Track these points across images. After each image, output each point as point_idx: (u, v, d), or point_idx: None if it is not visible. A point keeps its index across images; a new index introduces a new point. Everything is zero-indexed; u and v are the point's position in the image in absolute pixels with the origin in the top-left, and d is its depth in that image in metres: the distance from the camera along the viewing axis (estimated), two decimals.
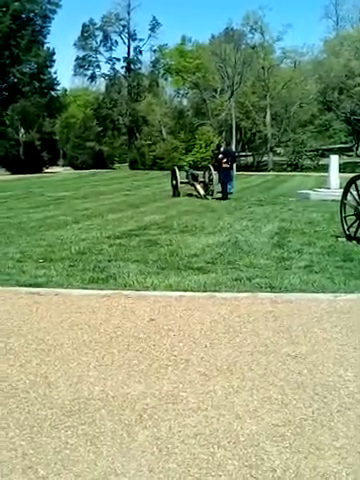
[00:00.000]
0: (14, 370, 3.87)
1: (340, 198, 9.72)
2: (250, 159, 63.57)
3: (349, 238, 9.01)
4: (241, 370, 3.81)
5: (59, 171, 47.70)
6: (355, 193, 9.03)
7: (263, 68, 58.77)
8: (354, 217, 9.03)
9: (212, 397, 3.41)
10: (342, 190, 9.84)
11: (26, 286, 6.32)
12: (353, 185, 9.20)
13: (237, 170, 23.33)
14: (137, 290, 6.08)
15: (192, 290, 6.02)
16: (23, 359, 4.06)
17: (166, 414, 3.20)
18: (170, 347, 4.26)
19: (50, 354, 4.16)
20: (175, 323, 4.86)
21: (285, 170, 49.68)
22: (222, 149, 20.66)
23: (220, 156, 19.54)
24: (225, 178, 18.79)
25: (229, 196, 19.21)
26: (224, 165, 18.99)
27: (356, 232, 8.87)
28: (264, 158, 61.77)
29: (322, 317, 4.97)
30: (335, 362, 3.92)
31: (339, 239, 9.16)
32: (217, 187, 20.05)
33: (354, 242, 8.76)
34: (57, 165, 53.50)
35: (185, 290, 6.02)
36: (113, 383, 3.63)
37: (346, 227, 9.25)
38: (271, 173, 44.86)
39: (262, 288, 6.03)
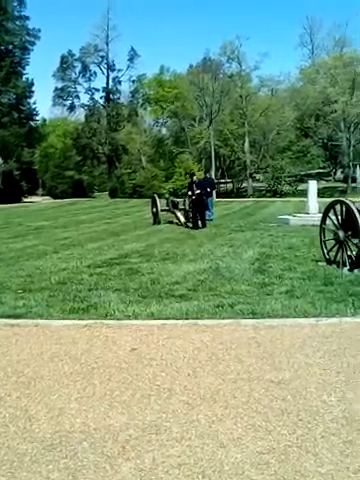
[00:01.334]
0: None
1: (319, 223, 9.82)
2: (230, 186, 64.21)
3: (329, 262, 9.08)
4: (224, 398, 3.78)
5: (38, 201, 47.58)
6: (334, 218, 9.13)
7: (241, 96, 59.77)
8: (333, 241, 9.12)
9: (196, 426, 3.36)
10: (321, 215, 9.95)
11: (5, 317, 6.22)
12: (332, 210, 9.32)
13: (217, 197, 23.45)
14: (118, 319, 6.02)
15: (174, 318, 5.98)
16: (2, 392, 3.97)
17: (149, 445, 3.15)
18: (152, 377, 4.21)
19: (30, 387, 4.07)
20: (157, 352, 4.82)
21: (264, 196, 50.23)
22: (195, 178, 19.49)
23: (194, 187, 18.52)
24: (200, 207, 18.13)
25: (209, 223, 19.30)
26: (193, 196, 18.15)
27: (336, 256, 8.95)
28: (243, 184, 62.42)
29: (304, 342, 4.97)
30: (318, 387, 3.91)
31: (319, 263, 9.23)
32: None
33: (334, 266, 8.83)
34: (36, 195, 53.46)
35: (167, 318, 5.98)
36: (95, 415, 3.56)
37: (326, 251, 9.33)
38: (251, 199, 45.27)
39: (244, 314, 6.02)
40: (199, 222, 17.70)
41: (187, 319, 5.91)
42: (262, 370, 4.28)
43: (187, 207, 19.74)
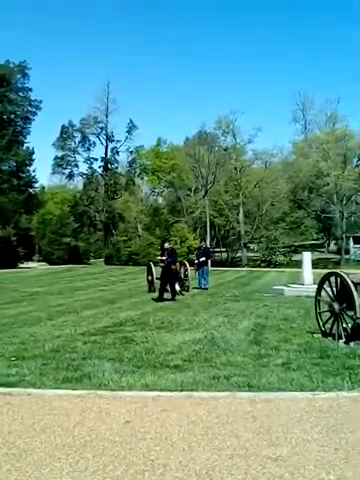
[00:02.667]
0: None
1: (314, 294, 9.84)
2: (224, 255, 64.59)
3: (325, 334, 9.03)
4: (221, 475, 3.68)
5: (34, 266, 47.57)
6: (329, 290, 9.16)
7: (235, 168, 61.30)
8: (329, 313, 9.11)
9: None
10: (316, 286, 9.99)
11: None
12: (326, 282, 9.36)
13: (212, 266, 23.56)
14: (112, 390, 5.92)
15: (169, 389, 5.89)
16: None
17: None
18: (147, 451, 4.10)
19: (21, 459, 3.96)
20: (152, 425, 4.72)
21: (259, 266, 50.46)
22: (166, 245, 17.22)
23: (164, 257, 16.81)
24: (172, 277, 16.71)
25: (204, 291, 19.32)
26: (162, 263, 16.87)
27: (331, 329, 8.91)
28: (238, 254, 62.89)
29: (302, 417, 4.88)
30: (317, 464, 3.81)
31: (315, 335, 9.18)
32: (193, 283, 20.22)
33: (330, 338, 8.78)
34: (32, 260, 53.49)
35: (162, 390, 5.88)
36: None
37: (321, 323, 9.29)
38: (245, 269, 45.42)
39: (240, 387, 5.93)
40: (167, 293, 16.30)
41: (182, 391, 5.82)
42: (259, 446, 4.19)
43: (182, 275, 19.79)
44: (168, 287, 16.55)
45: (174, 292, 16.51)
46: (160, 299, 15.94)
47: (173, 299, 16.11)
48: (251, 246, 62.71)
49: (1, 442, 4.31)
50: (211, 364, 7.14)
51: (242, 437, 4.38)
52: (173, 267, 16.64)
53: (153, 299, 16.30)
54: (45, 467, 3.81)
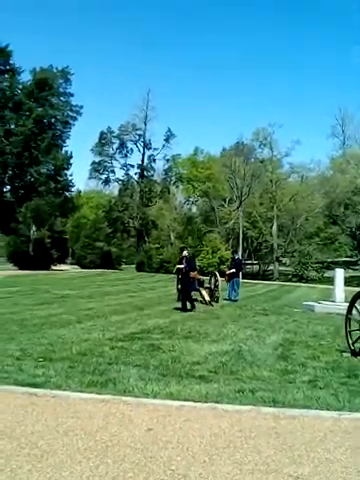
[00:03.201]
0: (3, 475, 3.71)
1: (345, 312, 9.68)
2: (256, 267, 64.20)
3: (354, 354, 8.87)
4: None
5: (67, 269, 48.10)
6: None
7: (271, 181, 61.01)
8: (359, 332, 8.94)
9: None
10: (347, 304, 9.83)
11: (23, 385, 6.19)
12: (358, 300, 9.21)
13: (242, 278, 23.44)
14: (136, 397, 5.93)
15: (193, 400, 5.86)
16: (14, 464, 3.90)
17: None
18: (167, 460, 4.09)
19: (42, 460, 4.00)
20: (174, 435, 4.71)
21: (290, 280, 49.99)
22: (185, 253, 16.80)
23: (182, 265, 16.33)
24: (189, 286, 16.34)
25: (234, 303, 19.22)
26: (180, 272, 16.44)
27: None
28: (270, 267, 62.41)
29: (326, 436, 4.80)
30: None
31: (344, 354, 9.02)
32: (223, 294, 20.14)
33: (359, 358, 8.62)
34: (65, 263, 54.05)
35: (186, 400, 5.86)
36: None
37: (351, 342, 9.14)
38: (276, 282, 45.01)
39: (265, 402, 5.87)
40: (187, 303, 15.96)
41: (206, 402, 5.79)
42: (281, 463, 4.13)
43: (213, 286, 19.75)
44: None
45: (185, 302, 15.92)
46: (184, 309, 15.72)
47: (184, 309, 15.63)
48: (283, 260, 62.17)
49: (24, 442, 4.36)
50: (237, 377, 7.09)
51: (264, 453, 4.33)
52: (192, 274, 16.34)
53: (178, 308, 16.03)
54: (66, 470, 3.84)
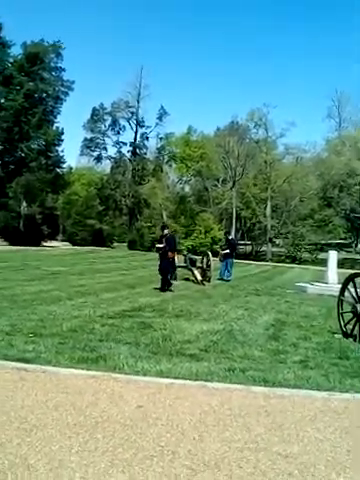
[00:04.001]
0: None
1: (338, 294, 9.70)
2: (249, 248, 64.28)
3: (345, 335, 8.90)
4: (229, 467, 3.64)
5: (57, 246, 48.01)
6: (353, 290, 9.01)
7: (265, 162, 60.77)
8: (351, 314, 8.97)
9: None
10: (340, 286, 9.85)
11: (14, 360, 6.17)
12: (351, 282, 9.21)
13: (235, 258, 23.40)
14: (127, 374, 5.92)
15: (183, 378, 5.86)
16: (3, 438, 3.88)
17: None
18: (157, 437, 4.09)
19: (32, 434, 3.98)
20: (163, 412, 4.70)
21: (283, 261, 50.10)
22: (166, 231, 16.24)
23: (162, 244, 15.85)
24: (167, 266, 15.77)
25: (226, 283, 19.25)
26: (159, 250, 15.94)
27: (353, 329, 8.78)
28: (263, 248, 62.52)
29: (316, 416, 4.81)
30: (327, 465, 3.75)
31: (335, 335, 9.05)
32: (215, 274, 20.14)
33: (350, 340, 8.65)
34: (56, 240, 53.97)
35: (176, 377, 5.86)
36: (95, 471, 3.45)
37: (343, 324, 9.16)
38: (269, 263, 45.12)
39: (255, 381, 5.88)
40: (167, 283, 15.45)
41: (196, 380, 5.79)
42: (270, 441, 4.14)
43: (205, 266, 19.75)
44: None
45: (165, 282, 15.42)
46: (162, 289, 15.19)
47: (163, 289, 15.12)
48: (277, 241, 62.28)
49: (13, 416, 4.34)
50: (227, 356, 7.10)
51: (254, 431, 4.34)
52: (170, 255, 15.72)
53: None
54: (55, 444, 3.83)
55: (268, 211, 60.19)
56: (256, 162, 62.38)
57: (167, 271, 15.73)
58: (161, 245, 15.80)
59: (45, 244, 47.59)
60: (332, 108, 69.13)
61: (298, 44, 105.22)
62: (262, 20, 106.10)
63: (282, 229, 60.22)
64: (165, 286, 15.34)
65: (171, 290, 15.30)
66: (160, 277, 15.65)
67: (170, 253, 15.70)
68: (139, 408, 4.77)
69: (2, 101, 49.40)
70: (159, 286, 15.36)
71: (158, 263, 16.02)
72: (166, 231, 16.37)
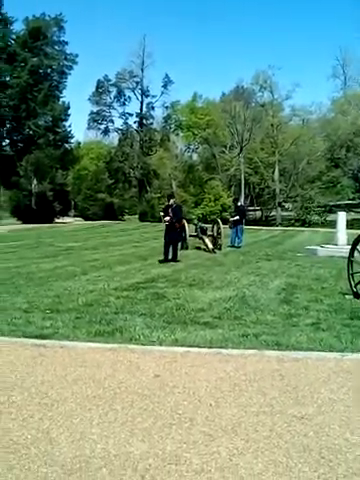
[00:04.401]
0: (16, 424, 3.82)
1: (348, 255, 9.73)
2: (258, 213, 64.13)
3: (356, 296, 8.96)
4: (246, 431, 3.75)
5: (70, 221, 48.24)
6: None
7: (272, 125, 60.01)
8: None
9: (216, 459, 3.34)
10: (350, 247, 9.86)
11: (32, 337, 6.31)
12: None
13: (245, 224, 23.37)
14: (143, 344, 6.05)
15: (198, 346, 5.98)
16: (25, 413, 4.02)
17: (168, 475, 3.14)
18: (174, 405, 4.21)
19: (53, 409, 4.12)
20: (180, 380, 4.82)
21: (293, 225, 49.93)
22: (171, 201, 15.72)
23: (168, 217, 15.23)
24: (176, 237, 15.46)
25: (237, 250, 19.30)
26: (166, 222, 15.36)
27: None
28: (272, 213, 62.28)
29: (329, 377, 4.90)
30: (341, 424, 3.85)
31: (346, 296, 9.12)
32: (226, 241, 20.19)
33: None
34: (68, 216, 54.17)
35: (191, 346, 5.98)
36: (115, 441, 3.58)
37: (353, 284, 9.21)
38: (279, 228, 45.00)
39: (269, 345, 5.98)
40: (170, 254, 15.07)
41: (211, 347, 5.90)
42: (285, 404, 4.24)
43: (215, 233, 19.80)
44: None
45: (167, 252, 15.11)
46: (165, 260, 14.88)
47: (174, 260, 14.89)
48: (286, 205, 61.98)
49: (34, 392, 4.48)
50: (241, 322, 7.20)
51: (269, 395, 4.44)
52: (177, 226, 15.39)
53: (160, 261, 15.17)
54: (76, 417, 3.96)
55: (276, 175, 59.71)
56: (263, 126, 61.59)
57: (177, 241, 15.52)
58: (167, 218, 15.26)
59: (57, 221, 47.83)
60: (337, 67, 67.62)
61: (301, 2, 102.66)
62: None
63: (291, 193, 59.79)
64: (175, 257, 15.08)
65: (178, 260, 15.00)
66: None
67: (177, 224, 15.38)
68: (156, 377, 4.89)
69: (7, 79, 49.06)
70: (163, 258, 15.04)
71: (163, 234, 15.67)
72: (172, 201, 15.83)
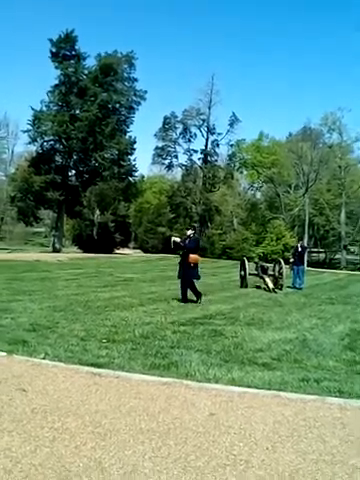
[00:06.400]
0: (68, 451, 3.78)
1: None
2: (322, 255, 62.90)
3: None
4: (304, 479, 3.55)
5: (129, 253, 48.91)
6: None
7: (340, 167, 59.34)
8: None
9: None
10: None
11: (88, 365, 6.31)
12: None
13: (308, 266, 22.88)
14: (198, 381, 5.91)
15: (256, 387, 5.79)
16: (79, 441, 3.97)
17: None
18: (229, 445, 4.05)
19: (106, 438, 4.05)
20: (236, 420, 4.65)
21: (358, 269, 48.57)
22: (189, 232, 13.99)
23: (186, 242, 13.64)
24: (189, 273, 13.48)
25: (298, 291, 18.89)
26: (188, 257, 13.42)
27: None
28: (337, 256, 60.96)
29: None
30: None
31: None
32: (287, 282, 19.81)
33: None
34: (128, 247, 54.97)
35: (248, 386, 5.79)
36: (168, 477, 3.46)
37: None
38: (343, 271, 43.89)
39: (330, 392, 5.71)
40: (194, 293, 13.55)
41: (269, 390, 5.70)
42: (346, 454, 4.00)
43: (277, 273, 19.48)
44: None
45: (185, 291, 13.47)
46: (184, 299, 13.38)
47: (184, 300, 13.35)
48: (351, 248, 60.57)
49: (88, 420, 4.43)
50: (301, 366, 6.95)
51: (329, 443, 4.21)
52: (191, 259, 13.36)
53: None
54: (128, 449, 3.87)
55: (342, 217, 58.65)
56: (330, 167, 61.02)
57: (190, 280, 13.53)
58: (177, 239, 13.75)
59: (117, 251, 48.59)
60: None
61: None
62: (332, 23, 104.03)
63: (357, 236, 58.48)
64: (199, 296, 13.47)
65: (198, 302, 13.37)
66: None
67: (191, 256, 13.41)
68: (211, 416, 4.74)
69: (77, 112, 50.95)
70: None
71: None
72: (190, 232, 14.00)
